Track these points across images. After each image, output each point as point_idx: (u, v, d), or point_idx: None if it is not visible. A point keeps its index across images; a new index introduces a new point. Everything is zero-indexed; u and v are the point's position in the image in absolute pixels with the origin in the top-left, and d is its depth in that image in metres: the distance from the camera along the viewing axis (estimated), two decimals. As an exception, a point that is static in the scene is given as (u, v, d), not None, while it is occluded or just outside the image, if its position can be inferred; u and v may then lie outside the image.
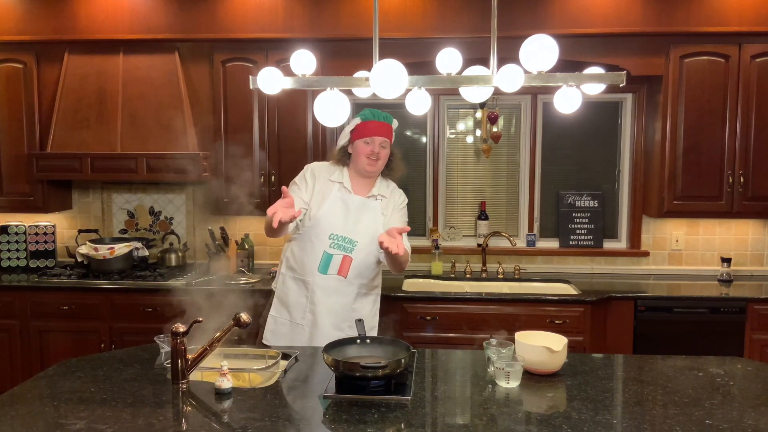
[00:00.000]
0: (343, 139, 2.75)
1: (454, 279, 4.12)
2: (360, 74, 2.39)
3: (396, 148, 2.82)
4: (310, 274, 2.68)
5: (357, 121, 2.69)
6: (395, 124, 2.77)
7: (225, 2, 3.85)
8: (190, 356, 2.06)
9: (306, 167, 2.80)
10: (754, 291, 3.74)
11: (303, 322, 2.71)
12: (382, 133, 2.67)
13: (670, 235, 4.19)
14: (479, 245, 4.22)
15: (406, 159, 4.34)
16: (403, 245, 2.41)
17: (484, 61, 2.20)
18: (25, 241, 4.21)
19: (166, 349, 2.33)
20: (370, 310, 2.78)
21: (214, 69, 3.90)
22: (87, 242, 4.00)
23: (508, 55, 2.30)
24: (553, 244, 4.31)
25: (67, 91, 3.92)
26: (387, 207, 2.76)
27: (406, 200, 2.86)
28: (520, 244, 4.27)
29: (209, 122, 3.94)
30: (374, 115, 2.68)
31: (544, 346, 2.13)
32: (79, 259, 4.06)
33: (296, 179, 2.79)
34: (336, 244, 2.65)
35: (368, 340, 2.26)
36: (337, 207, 2.67)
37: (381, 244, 2.31)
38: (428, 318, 3.61)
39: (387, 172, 2.80)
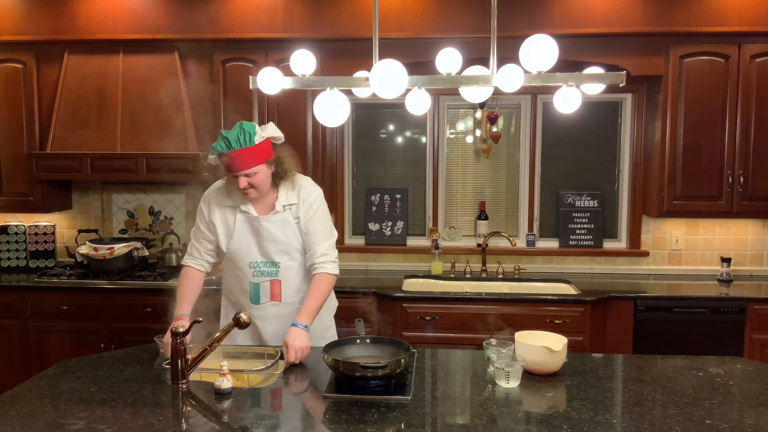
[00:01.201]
0: (215, 162, 2.44)
1: (454, 279, 4.12)
2: (360, 74, 2.38)
3: (284, 147, 2.49)
4: (247, 307, 2.53)
5: (212, 156, 2.41)
6: (262, 136, 2.36)
7: (225, 2, 3.85)
8: (190, 356, 2.07)
9: (200, 202, 2.58)
10: (754, 291, 3.74)
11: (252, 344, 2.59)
12: (243, 165, 2.32)
13: (669, 235, 4.19)
14: (479, 245, 4.22)
15: (406, 159, 4.39)
16: (302, 340, 2.25)
17: (484, 61, 2.20)
18: (25, 241, 4.21)
19: (166, 349, 2.33)
20: (321, 318, 2.59)
21: (214, 69, 3.90)
22: (87, 242, 4.00)
23: (508, 55, 2.30)
24: (552, 244, 4.31)
25: (67, 91, 3.92)
26: (300, 213, 2.49)
27: (319, 196, 2.54)
28: (520, 244, 4.27)
29: (209, 122, 3.94)
30: (227, 144, 2.31)
31: (544, 346, 2.13)
32: (79, 259, 4.06)
33: (197, 218, 2.58)
34: (258, 271, 2.49)
35: (368, 340, 2.26)
36: (245, 235, 2.48)
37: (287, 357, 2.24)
38: (428, 318, 3.61)
39: (280, 179, 2.48)
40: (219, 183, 2.58)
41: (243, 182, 2.36)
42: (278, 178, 2.48)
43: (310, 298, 2.42)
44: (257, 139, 2.34)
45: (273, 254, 2.49)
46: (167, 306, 3.13)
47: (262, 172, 2.39)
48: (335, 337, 2.67)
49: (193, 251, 2.58)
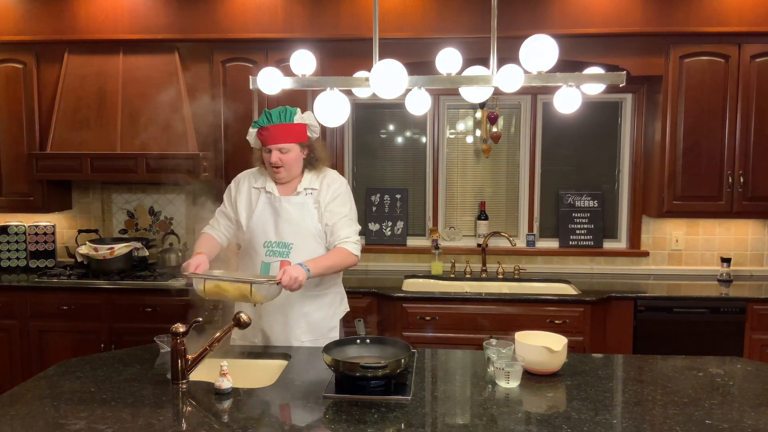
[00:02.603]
0: (254, 143, 2.61)
1: (454, 279, 4.12)
2: (360, 74, 2.39)
3: (319, 139, 2.63)
4: None
5: (253, 130, 2.57)
6: (302, 117, 2.54)
7: (225, 2, 3.85)
8: (190, 356, 2.07)
9: (232, 181, 2.73)
10: (754, 291, 3.74)
11: (256, 340, 2.63)
12: (279, 139, 2.49)
13: (669, 235, 4.19)
14: (479, 245, 4.22)
15: (406, 159, 4.39)
16: (299, 272, 2.29)
17: (484, 61, 2.20)
18: (25, 241, 4.21)
19: (166, 349, 2.33)
20: (326, 311, 2.66)
21: (214, 69, 3.90)
22: (87, 242, 4.00)
23: (508, 55, 2.30)
24: (552, 244, 4.31)
25: (67, 91, 3.91)
26: (321, 198, 2.59)
27: (343, 184, 2.65)
28: (520, 244, 4.27)
29: (209, 122, 3.94)
30: (268, 118, 2.50)
31: (544, 346, 2.13)
32: (79, 259, 4.06)
33: (225, 195, 2.73)
34: (271, 251, 2.56)
35: (368, 340, 2.26)
36: (266, 214, 2.58)
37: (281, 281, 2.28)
38: (428, 318, 3.61)
39: (310, 166, 2.62)
40: (253, 169, 2.72)
41: (275, 156, 2.51)
42: (308, 164, 2.61)
43: (323, 256, 2.51)
44: (296, 119, 2.52)
45: (287, 235, 2.56)
46: (167, 306, 3.13)
47: (294, 152, 2.54)
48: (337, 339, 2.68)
49: (214, 223, 2.75)
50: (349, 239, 2.55)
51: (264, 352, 2.46)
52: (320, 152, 2.63)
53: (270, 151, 2.52)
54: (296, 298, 2.54)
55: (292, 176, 2.58)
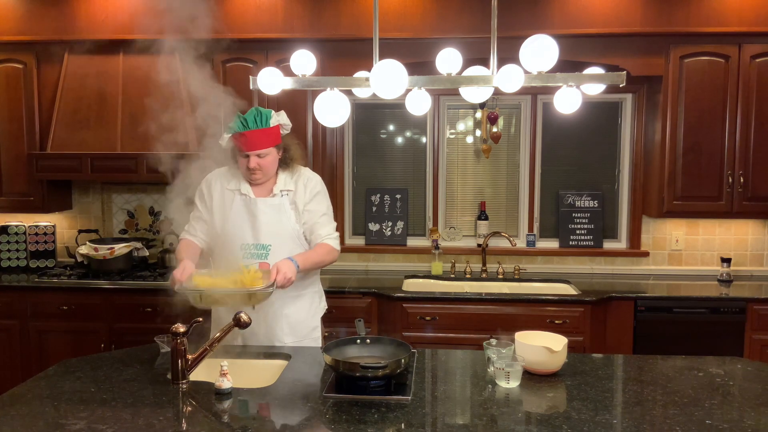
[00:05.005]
0: (227, 144, 2.58)
1: (454, 279, 4.12)
2: (360, 74, 2.39)
3: (291, 138, 2.62)
4: None
5: (227, 135, 2.54)
6: (276, 119, 2.52)
7: (225, 2, 3.85)
8: (190, 356, 2.07)
9: (202, 182, 2.69)
10: (754, 291, 3.74)
11: (235, 343, 2.60)
12: (257, 145, 2.46)
13: (669, 236, 4.19)
14: (479, 245, 4.22)
15: (406, 159, 4.40)
16: (288, 268, 2.32)
17: (484, 61, 2.20)
18: (25, 242, 4.21)
19: (166, 349, 2.33)
20: (306, 312, 2.66)
21: (214, 69, 3.90)
22: (87, 242, 4.00)
23: (508, 55, 2.31)
24: (552, 244, 4.31)
25: (67, 91, 3.92)
26: (297, 199, 2.58)
27: (319, 182, 2.65)
28: (520, 244, 4.27)
29: (209, 122, 3.92)
30: (243, 124, 2.46)
31: (544, 346, 2.13)
32: (79, 260, 4.06)
33: (196, 198, 2.69)
34: (249, 253, 2.53)
35: (368, 340, 2.26)
36: (241, 216, 2.56)
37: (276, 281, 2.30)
38: (428, 318, 3.61)
39: (285, 165, 2.61)
40: (222, 168, 2.68)
41: (253, 162, 2.48)
42: (283, 164, 2.60)
43: (309, 251, 2.54)
44: (272, 122, 2.49)
45: (265, 237, 2.54)
46: (167, 306, 3.12)
47: (271, 155, 2.52)
48: (319, 339, 2.69)
49: (190, 228, 2.72)
50: (330, 236, 2.60)
51: (264, 352, 2.45)
52: (294, 151, 2.62)
53: (247, 156, 2.48)
54: (275, 299, 2.51)
55: (268, 177, 2.57)
